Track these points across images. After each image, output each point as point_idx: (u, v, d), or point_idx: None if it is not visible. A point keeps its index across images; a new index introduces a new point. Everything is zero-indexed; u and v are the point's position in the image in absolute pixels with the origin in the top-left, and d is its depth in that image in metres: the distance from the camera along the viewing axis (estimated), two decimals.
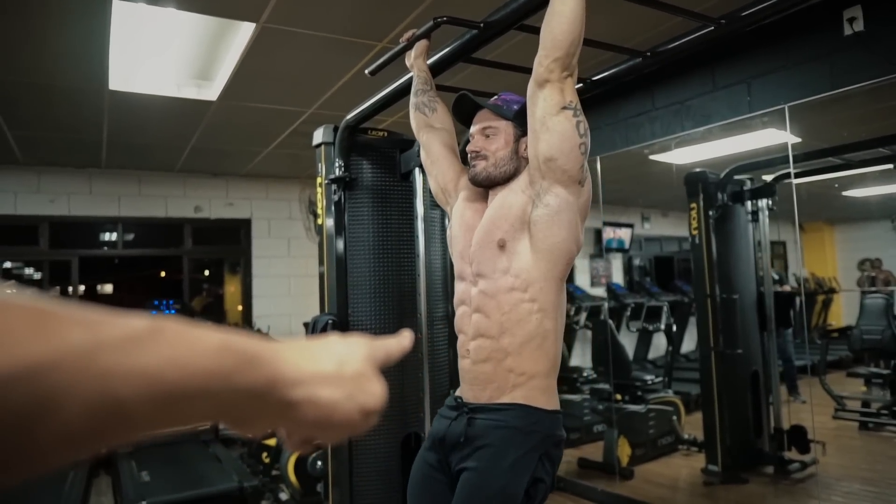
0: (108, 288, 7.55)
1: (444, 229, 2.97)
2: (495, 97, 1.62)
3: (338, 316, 2.68)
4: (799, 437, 4.01)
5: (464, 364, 1.57)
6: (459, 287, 1.61)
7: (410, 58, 1.88)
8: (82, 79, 3.21)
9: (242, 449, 4.92)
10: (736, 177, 4.19)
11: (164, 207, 5.57)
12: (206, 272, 6.72)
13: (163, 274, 7.31)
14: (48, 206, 5.11)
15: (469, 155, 1.61)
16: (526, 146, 1.54)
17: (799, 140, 4.60)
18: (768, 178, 4.29)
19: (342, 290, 2.75)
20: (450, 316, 2.99)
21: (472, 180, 1.60)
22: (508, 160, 1.56)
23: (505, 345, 1.47)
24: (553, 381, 1.51)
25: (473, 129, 1.62)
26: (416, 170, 2.70)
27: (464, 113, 1.66)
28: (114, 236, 5.56)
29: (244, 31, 2.79)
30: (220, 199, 5.82)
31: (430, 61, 1.90)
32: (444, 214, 2.99)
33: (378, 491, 2.73)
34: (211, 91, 3.54)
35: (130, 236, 5.72)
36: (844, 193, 7.70)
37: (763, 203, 4.18)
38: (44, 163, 5.02)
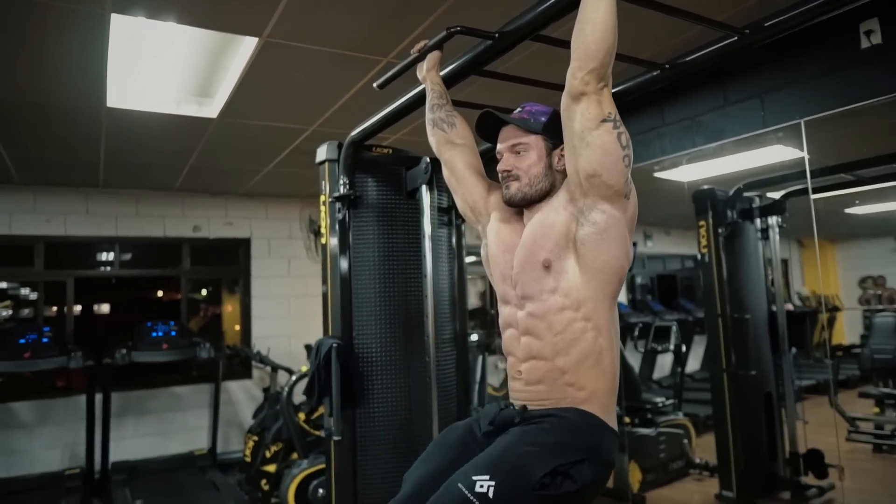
0: (104, 308, 7.44)
1: (451, 248, 2.88)
2: (519, 110, 1.54)
3: (342, 339, 2.58)
4: (816, 461, 3.90)
5: (515, 385, 1.48)
6: (504, 310, 1.53)
7: (422, 70, 1.80)
8: (79, 96, 3.13)
9: (241, 475, 4.78)
10: (745, 194, 4.12)
11: (162, 227, 5.48)
12: (204, 292, 6.62)
13: (160, 294, 7.20)
14: (44, 226, 5.01)
15: (500, 175, 1.52)
16: (559, 159, 1.47)
17: (806, 156, 4.54)
18: (774, 195, 4.22)
19: (346, 312, 2.66)
20: (457, 337, 2.89)
21: (508, 202, 1.51)
22: (543, 176, 1.48)
23: (560, 364, 1.39)
24: (613, 403, 1.42)
25: (501, 146, 1.53)
26: (423, 187, 2.62)
27: (486, 128, 1.57)
28: (111, 256, 5.46)
29: (246, 46, 2.72)
30: (219, 218, 5.73)
31: (440, 74, 1.83)
32: (451, 233, 2.91)
33: None
34: (211, 108, 3.47)
35: (127, 256, 5.63)
36: (847, 211, 7.66)
37: (773, 220, 4.11)
38: (40, 182, 4.93)
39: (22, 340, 4.25)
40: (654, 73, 1.96)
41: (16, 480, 4.52)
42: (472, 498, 1.24)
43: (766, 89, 2.78)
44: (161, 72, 3.10)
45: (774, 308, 4.18)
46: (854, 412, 5.14)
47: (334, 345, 2.45)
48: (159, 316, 5.04)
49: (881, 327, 5.48)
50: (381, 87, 1.93)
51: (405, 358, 2.67)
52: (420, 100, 1.99)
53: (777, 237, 4.11)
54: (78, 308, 7.14)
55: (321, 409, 2.67)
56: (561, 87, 1.37)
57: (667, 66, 1.90)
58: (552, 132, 1.47)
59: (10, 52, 2.64)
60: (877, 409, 5.24)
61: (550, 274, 1.40)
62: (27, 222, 4.96)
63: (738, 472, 3.88)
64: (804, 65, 2.64)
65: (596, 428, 1.38)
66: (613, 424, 1.42)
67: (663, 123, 3.27)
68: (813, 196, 2.95)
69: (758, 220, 4.18)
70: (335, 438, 2.47)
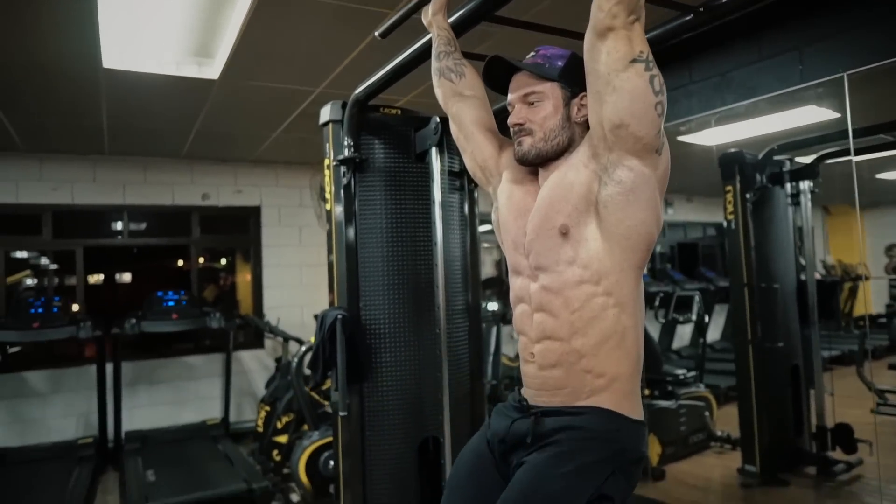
0: (118, 278, 7.44)
1: (463, 215, 2.73)
2: (532, 54, 1.35)
3: (348, 310, 2.46)
4: (844, 436, 3.75)
5: (528, 369, 1.33)
6: (515, 282, 1.36)
7: (428, 14, 1.62)
8: (74, 56, 2.99)
9: (254, 444, 4.75)
10: (775, 157, 3.90)
11: (170, 195, 5.38)
12: (224, 261, 6.56)
13: (179, 263, 7.17)
14: (51, 194, 4.94)
15: (512, 129, 1.34)
16: (579, 109, 1.29)
17: (837, 116, 4.28)
18: (801, 160, 3.99)
19: (353, 282, 2.53)
20: (470, 308, 2.76)
21: (521, 160, 1.33)
22: (560, 129, 1.29)
23: (578, 346, 1.23)
24: (637, 385, 1.27)
25: (512, 96, 1.34)
26: (433, 149, 2.46)
27: (497, 78, 1.39)
28: (119, 225, 5.38)
29: None
30: (229, 186, 5.62)
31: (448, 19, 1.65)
32: (463, 199, 2.75)
33: (392, 497, 2.52)
34: (212, 69, 3.31)
35: (136, 225, 5.55)
36: (877, 176, 7.37)
37: (805, 185, 3.89)
38: (45, 150, 4.84)
39: (31, 310, 4.21)
40: (686, 19, 1.76)
41: (30, 449, 4.53)
42: None
43: (805, 41, 2.56)
44: (156, 30, 2.94)
45: (803, 277, 3.99)
46: (882, 384, 4.97)
47: (339, 316, 2.33)
48: (173, 285, 4.99)
49: None
50: (383, 35, 1.75)
51: (415, 329, 2.55)
52: (429, 51, 1.82)
53: (809, 203, 3.89)
54: (101, 277, 7.15)
55: (329, 381, 2.57)
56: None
57: (700, 8, 1.70)
58: (570, 79, 1.29)
59: None
60: None
61: (568, 242, 1.23)
62: (34, 191, 4.89)
63: (762, 446, 3.75)
64: (848, 14, 2.42)
65: (619, 430, 1.23)
66: (638, 412, 1.27)
67: (690, 81, 3.05)
68: (855, 158, 2.73)
69: (788, 185, 3.96)
70: (341, 414, 2.36)
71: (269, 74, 3.39)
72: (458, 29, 1.67)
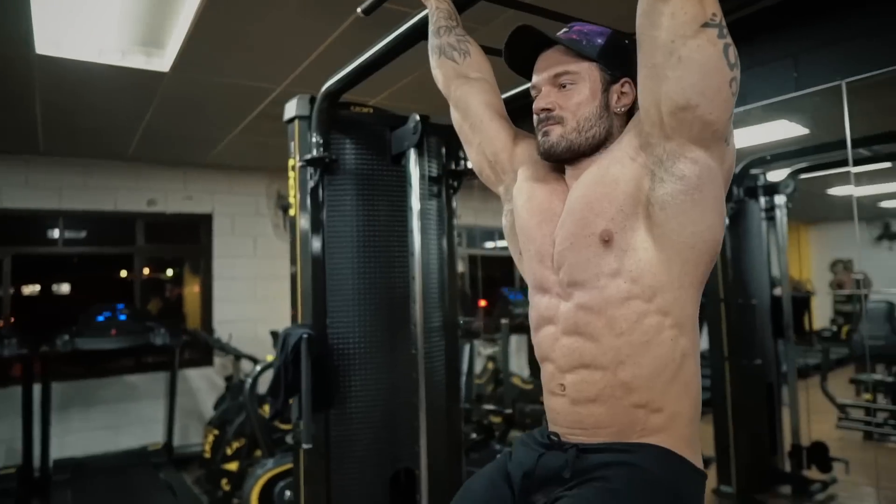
0: (49, 289, 6.89)
1: (441, 222, 2.51)
2: (565, 30, 1.14)
3: (314, 328, 2.20)
4: (819, 455, 3.68)
5: (556, 403, 1.09)
6: (540, 301, 1.13)
7: None
8: (1, 41, 2.65)
9: (200, 471, 4.38)
10: (751, 171, 3.84)
11: (113, 200, 4.97)
12: (171, 272, 6.13)
13: (125, 273, 6.70)
14: None
15: (536, 117, 1.12)
16: (619, 97, 1.09)
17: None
18: (771, 176, 3.96)
19: (319, 297, 2.27)
20: (447, 325, 2.53)
21: (547, 154, 1.11)
22: (597, 119, 1.08)
23: (626, 378, 1.01)
24: (697, 428, 1.05)
25: (539, 77, 1.12)
26: (412, 151, 2.24)
27: (519, 55, 1.16)
28: (55, 232, 4.93)
29: None
30: (178, 191, 5.24)
31: None
32: (441, 206, 2.53)
33: None
34: (162, 61, 3.01)
35: (76, 233, 5.10)
36: (829, 192, 7.52)
37: (780, 200, 3.84)
38: None
39: None
40: None
41: None
42: None
43: (801, 48, 2.47)
44: (99, 13, 2.63)
45: (777, 292, 3.94)
46: (842, 399, 4.99)
47: (305, 335, 2.07)
48: (116, 298, 4.58)
49: (874, 313, 5.32)
50: (366, 12, 1.53)
51: (388, 349, 2.32)
52: (417, 32, 1.60)
53: (784, 218, 3.84)
54: (35, 288, 6.59)
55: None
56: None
57: None
58: (611, 61, 1.09)
59: None
60: (869, 396, 5.11)
61: (611, 251, 1.01)
62: None
63: (739, 466, 3.65)
64: (848, 21, 2.34)
65: (681, 474, 1.00)
66: (700, 461, 1.05)
67: None
68: (854, 169, 2.65)
69: (762, 199, 3.91)
70: (304, 446, 2.09)
71: (226, 68, 3.11)
72: (460, 6, 1.46)
